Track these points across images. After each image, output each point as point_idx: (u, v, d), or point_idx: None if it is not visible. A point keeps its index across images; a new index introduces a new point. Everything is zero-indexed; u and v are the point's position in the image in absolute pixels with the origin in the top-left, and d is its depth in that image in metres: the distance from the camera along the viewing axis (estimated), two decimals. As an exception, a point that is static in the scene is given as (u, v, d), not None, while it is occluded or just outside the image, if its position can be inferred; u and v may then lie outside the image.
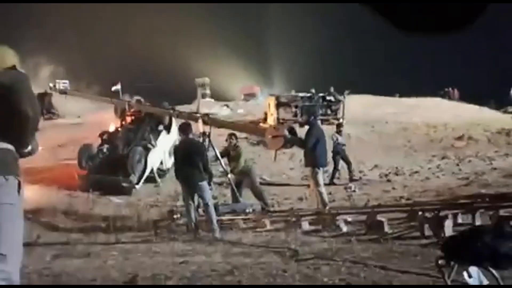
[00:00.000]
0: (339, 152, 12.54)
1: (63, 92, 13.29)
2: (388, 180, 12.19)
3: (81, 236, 7.21)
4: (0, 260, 2.52)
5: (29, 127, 2.73)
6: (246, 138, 14.52)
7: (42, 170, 11.60)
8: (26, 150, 2.83)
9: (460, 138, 17.03)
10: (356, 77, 28.53)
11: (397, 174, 12.98)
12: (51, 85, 12.95)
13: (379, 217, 6.72)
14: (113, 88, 15.94)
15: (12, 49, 2.97)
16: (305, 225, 7.21)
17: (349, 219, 7.26)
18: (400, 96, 25.52)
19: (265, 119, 18.34)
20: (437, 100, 25.39)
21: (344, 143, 13.05)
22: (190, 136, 7.33)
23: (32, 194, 8.34)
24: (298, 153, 13.42)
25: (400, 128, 19.21)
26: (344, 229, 6.84)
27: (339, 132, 13.06)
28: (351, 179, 12.34)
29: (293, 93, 19.90)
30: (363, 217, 7.15)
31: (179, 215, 8.47)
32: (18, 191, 2.70)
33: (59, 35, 28.75)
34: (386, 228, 6.31)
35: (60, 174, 11.83)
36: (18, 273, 2.61)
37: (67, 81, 15.34)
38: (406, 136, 18.23)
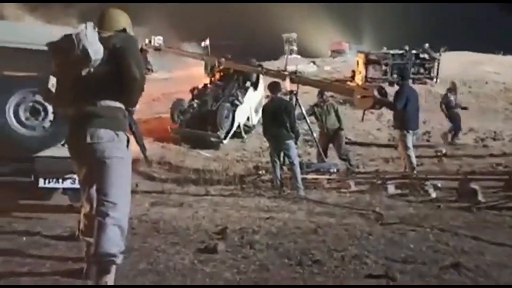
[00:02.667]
0: None
1: (157, 48, 13.89)
2: (484, 146, 11.45)
3: (174, 186, 7.70)
4: (111, 207, 2.81)
5: (136, 87, 2.93)
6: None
7: (138, 122, 12.36)
8: (134, 109, 3.06)
9: None
10: (455, 32, 26.38)
11: (494, 139, 12.14)
12: (147, 41, 13.58)
13: (473, 185, 6.40)
14: (202, 44, 16.36)
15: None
16: (391, 189, 7.07)
17: (439, 185, 7.01)
18: (504, 54, 23.31)
19: (352, 78, 17.80)
20: (548, 59, 22.90)
21: None
22: (279, 95, 7.39)
23: (130, 145, 9.01)
24: (386, 113, 12.99)
25: (501, 89, 17.73)
26: (433, 195, 6.63)
27: None
28: None
29: (384, 50, 18.94)
30: (454, 184, 6.85)
31: (264, 171, 8.73)
32: (127, 146, 2.96)
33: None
34: (480, 197, 6.01)
35: (154, 126, 12.56)
36: (127, 219, 2.90)
37: (161, 37, 15.90)
38: (508, 98, 16.82)
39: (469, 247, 4.17)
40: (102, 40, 2.89)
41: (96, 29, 2.93)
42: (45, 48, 3.05)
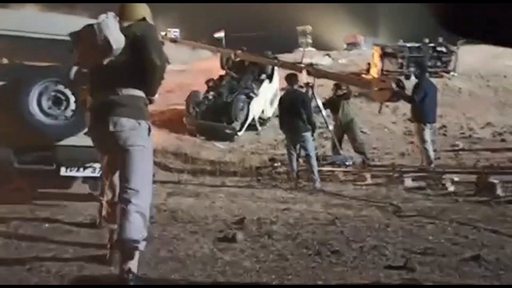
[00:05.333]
0: None
1: (173, 40, 13.91)
2: (503, 140, 11.27)
3: (190, 177, 7.75)
4: (134, 195, 2.85)
5: (157, 75, 2.95)
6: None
7: (154, 113, 12.42)
8: (154, 97, 3.09)
9: None
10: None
11: (513, 134, 11.96)
12: (162, 33, 13.63)
13: (491, 179, 6.34)
14: (216, 35, 16.27)
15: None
16: (408, 182, 7.05)
17: (456, 179, 6.95)
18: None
19: (368, 70, 17.64)
20: None
21: None
22: (295, 87, 7.38)
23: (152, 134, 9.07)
24: (402, 106, 12.88)
25: (520, 83, 17.41)
26: (451, 188, 6.59)
27: None
28: None
29: (400, 42, 18.73)
30: (472, 178, 6.80)
31: (279, 163, 8.74)
32: (148, 134, 2.99)
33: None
34: (499, 191, 5.96)
35: (170, 118, 12.63)
36: (149, 207, 2.94)
37: (177, 30, 15.89)
38: (528, 92, 16.52)
39: (488, 240, 4.14)
40: (122, 29, 2.92)
41: (117, 19, 2.96)
42: (67, 38, 3.09)
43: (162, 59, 2.92)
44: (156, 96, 3.14)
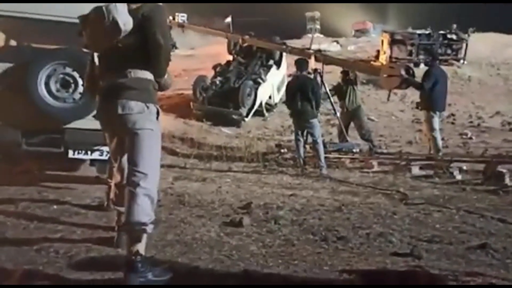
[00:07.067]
0: None
1: (181, 25, 13.81)
2: (512, 129, 11.20)
3: (197, 162, 7.76)
4: (142, 178, 2.85)
5: (161, 55, 2.91)
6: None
7: (161, 98, 12.37)
8: (162, 81, 3.06)
9: None
10: (484, 13, 25.54)
11: (522, 123, 11.85)
12: (170, 17, 13.54)
13: (499, 168, 6.31)
14: (225, 21, 16.22)
15: None
16: (415, 170, 7.01)
17: (464, 167, 6.92)
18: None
19: (377, 57, 17.49)
20: None
21: None
22: (304, 72, 7.33)
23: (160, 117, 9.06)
24: (410, 94, 12.79)
25: (531, 72, 17.22)
26: (458, 177, 6.55)
27: None
28: None
29: (409, 30, 18.52)
30: (480, 167, 6.76)
31: (286, 149, 8.73)
32: (157, 118, 2.98)
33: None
34: (507, 180, 5.92)
35: (177, 103, 12.63)
36: (156, 190, 2.94)
37: (185, 14, 15.87)
38: (538, 81, 16.35)
39: (496, 229, 4.12)
40: (131, 11, 2.89)
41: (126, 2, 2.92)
42: (76, 20, 3.07)
43: (166, 39, 2.87)
44: (166, 77, 3.10)
